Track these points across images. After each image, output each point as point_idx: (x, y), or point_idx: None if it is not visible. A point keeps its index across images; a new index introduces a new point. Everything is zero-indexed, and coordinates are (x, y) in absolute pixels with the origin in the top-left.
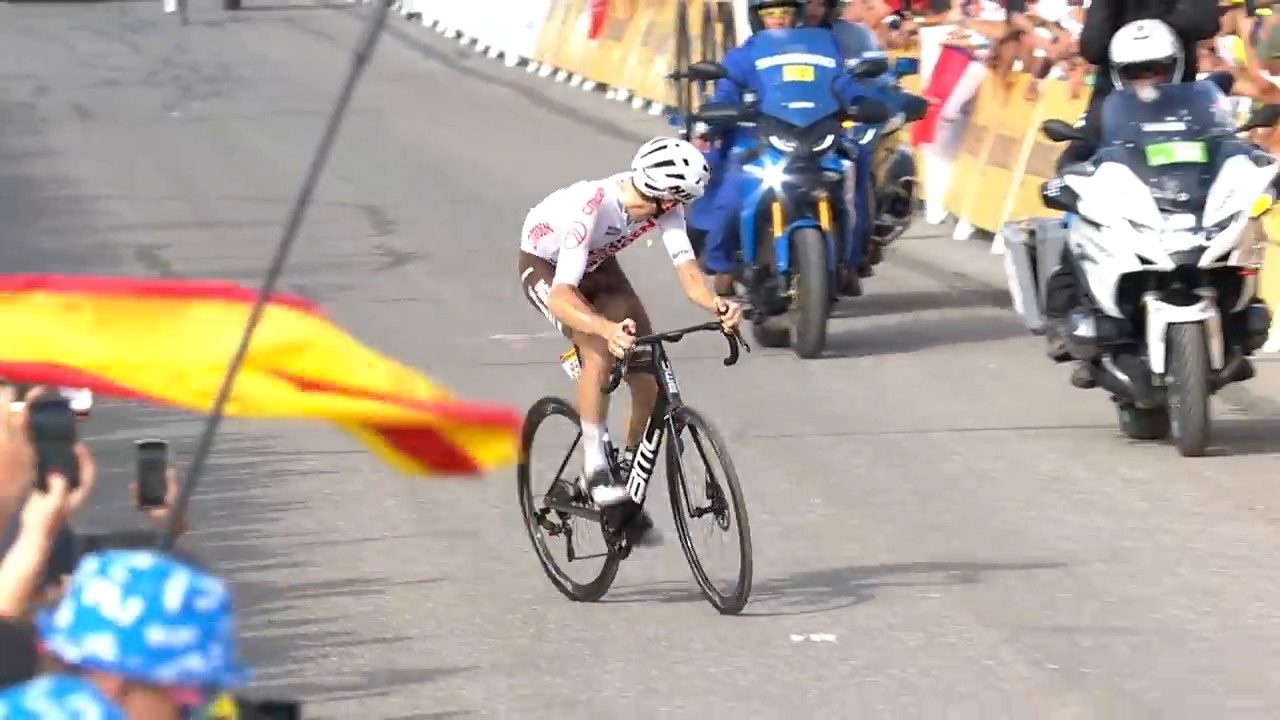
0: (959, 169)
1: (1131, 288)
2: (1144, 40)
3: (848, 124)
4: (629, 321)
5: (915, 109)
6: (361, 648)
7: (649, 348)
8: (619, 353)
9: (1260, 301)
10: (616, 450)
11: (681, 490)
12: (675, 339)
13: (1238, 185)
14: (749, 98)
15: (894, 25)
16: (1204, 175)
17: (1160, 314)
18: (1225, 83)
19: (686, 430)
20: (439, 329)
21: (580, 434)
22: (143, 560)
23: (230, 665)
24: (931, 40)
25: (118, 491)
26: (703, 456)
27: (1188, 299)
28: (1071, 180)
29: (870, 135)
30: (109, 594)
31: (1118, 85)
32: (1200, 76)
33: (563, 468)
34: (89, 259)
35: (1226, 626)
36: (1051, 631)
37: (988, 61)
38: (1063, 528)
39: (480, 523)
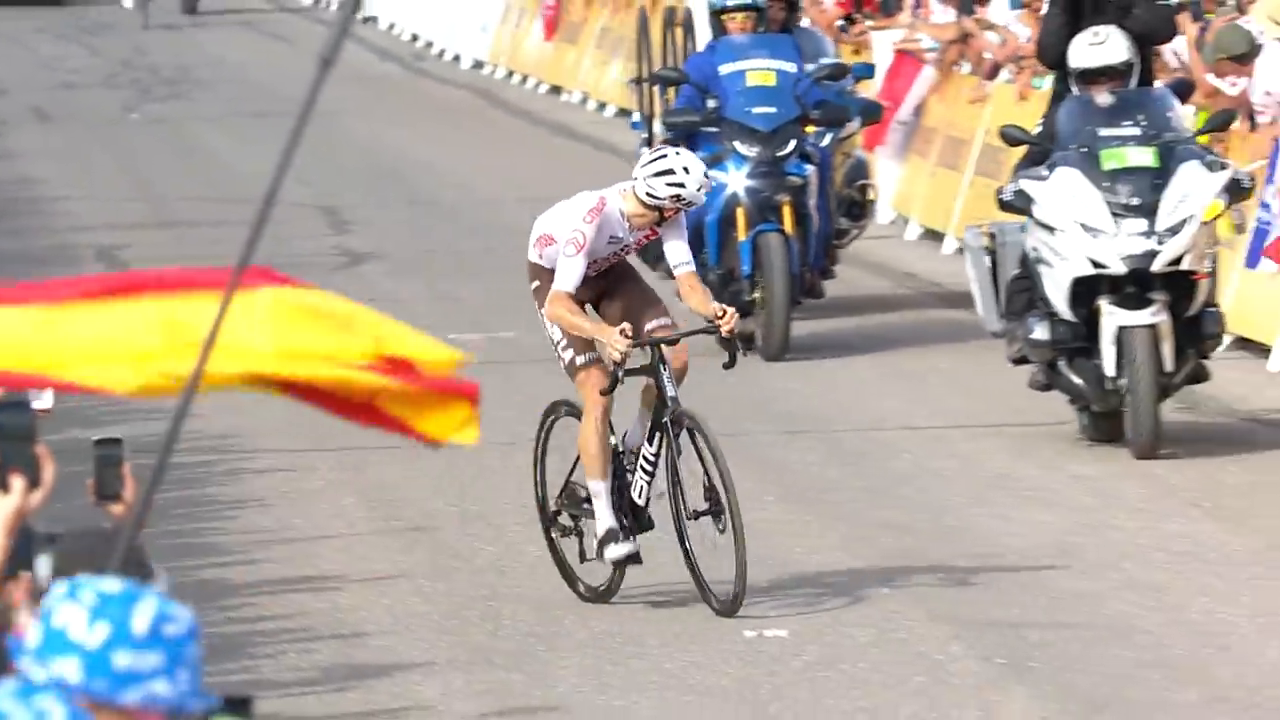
0: (909, 170)
1: (1085, 291)
2: (1100, 46)
3: (810, 128)
4: (625, 325)
5: (871, 113)
6: (319, 644)
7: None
8: (616, 355)
9: (1214, 306)
10: (623, 453)
11: (679, 493)
12: (673, 343)
13: (1190, 190)
14: (711, 103)
15: (843, 29)
16: (1157, 180)
17: (1112, 317)
18: (1185, 89)
19: (685, 433)
20: None
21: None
22: (112, 585)
23: (196, 691)
24: (881, 43)
25: (76, 489)
26: (700, 460)
27: (1140, 303)
28: (1026, 184)
29: (828, 139)
30: (77, 617)
31: (1074, 90)
32: (1160, 82)
33: (572, 470)
34: (48, 259)
35: (1172, 621)
36: (1000, 626)
37: (937, 64)
38: (1012, 524)
39: (437, 520)
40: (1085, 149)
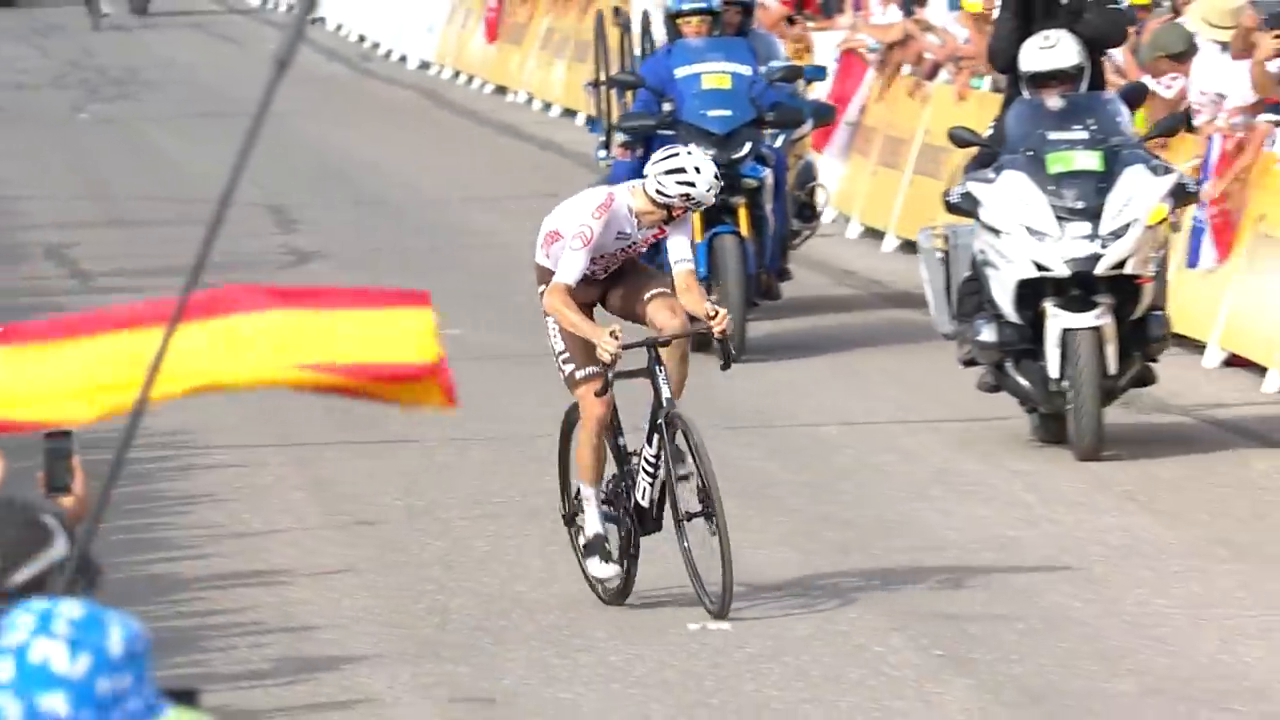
0: (850, 170)
1: (1031, 294)
2: (1050, 49)
3: (765, 131)
4: (615, 327)
5: (824, 115)
6: (268, 638)
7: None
8: (606, 357)
9: (1160, 309)
10: (632, 454)
11: (674, 495)
12: (665, 344)
13: (1135, 194)
14: (667, 106)
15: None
16: (1101, 184)
17: (1057, 320)
18: (1139, 93)
19: (679, 435)
20: None
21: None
22: (75, 610)
23: (153, 699)
24: (822, 45)
25: (27, 482)
26: (693, 461)
27: (1085, 306)
28: (973, 187)
29: (781, 141)
30: (57, 651)
31: (1025, 94)
32: (1117, 86)
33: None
34: None
35: (1108, 614)
36: (939, 619)
37: (877, 65)
38: (952, 519)
39: (385, 515)
40: (1032, 152)
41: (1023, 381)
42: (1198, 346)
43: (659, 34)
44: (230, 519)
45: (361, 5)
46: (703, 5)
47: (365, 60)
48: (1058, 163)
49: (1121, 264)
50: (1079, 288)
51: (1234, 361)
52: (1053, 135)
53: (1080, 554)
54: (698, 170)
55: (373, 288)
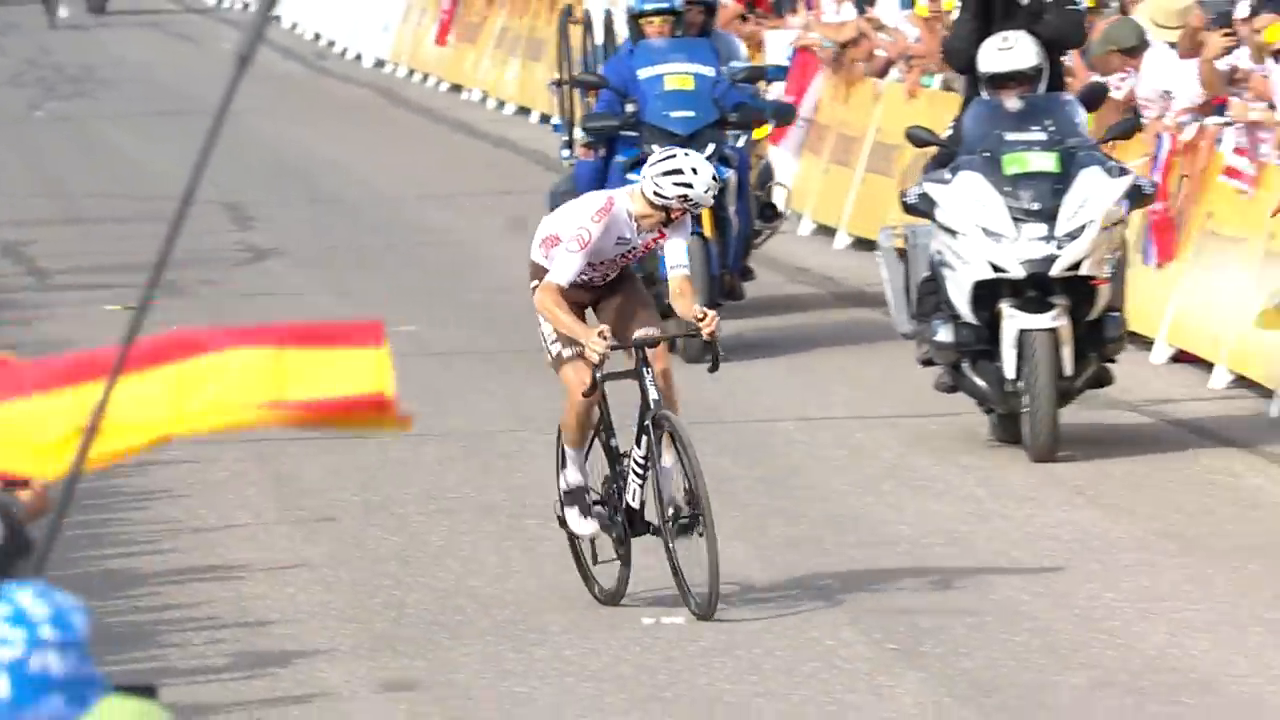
0: (802, 167)
1: (987, 295)
2: (1009, 51)
3: (728, 131)
4: (604, 327)
5: (784, 114)
6: (224, 632)
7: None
8: (594, 357)
9: (1117, 310)
10: (625, 455)
11: (661, 495)
12: (653, 345)
13: (1090, 196)
14: (630, 107)
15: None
16: (1057, 185)
17: (1013, 321)
18: (1098, 94)
19: (666, 436)
20: None
21: (593, 440)
22: (39, 608)
23: (91, 682)
24: (774, 43)
25: None
26: (682, 463)
27: (1041, 307)
28: (929, 187)
29: (743, 141)
30: (52, 659)
31: (983, 94)
32: (1078, 86)
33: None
34: None
35: (1058, 607)
36: (892, 612)
37: (832, 63)
38: (903, 514)
39: (341, 510)
40: (989, 153)
41: (979, 382)
42: (1146, 343)
43: (621, 32)
44: (187, 514)
45: (317, 4)
46: (665, 5)
47: (321, 58)
48: (1014, 164)
49: (1077, 265)
50: (1035, 289)
51: (1181, 357)
52: (1010, 136)
53: (1031, 549)
54: (695, 171)
55: (328, 323)
